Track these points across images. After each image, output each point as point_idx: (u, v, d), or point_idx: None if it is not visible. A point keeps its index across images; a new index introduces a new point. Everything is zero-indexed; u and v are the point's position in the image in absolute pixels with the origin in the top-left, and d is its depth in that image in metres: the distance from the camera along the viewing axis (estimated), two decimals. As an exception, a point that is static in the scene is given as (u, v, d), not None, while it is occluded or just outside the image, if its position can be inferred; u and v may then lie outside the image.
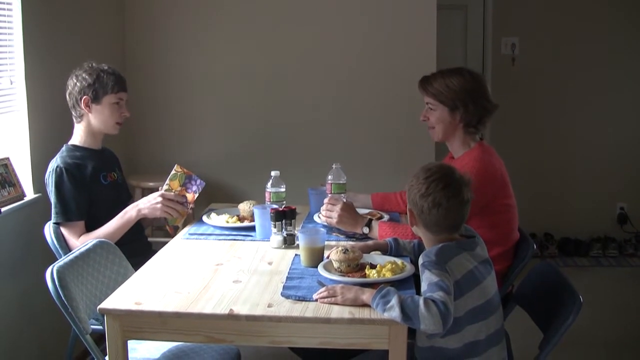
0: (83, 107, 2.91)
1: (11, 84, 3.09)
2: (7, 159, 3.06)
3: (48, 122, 3.27)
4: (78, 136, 2.98)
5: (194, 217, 3.37)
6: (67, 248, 2.80)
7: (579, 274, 4.99)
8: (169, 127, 4.55)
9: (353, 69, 4.43)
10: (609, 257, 5.35)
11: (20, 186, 3.08)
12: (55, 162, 2.87)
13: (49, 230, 2.83)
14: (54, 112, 3.27)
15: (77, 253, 2.44)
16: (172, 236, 2.96)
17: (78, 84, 2.90)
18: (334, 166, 3.06)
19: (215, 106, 4.51)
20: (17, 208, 3.02)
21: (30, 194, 3.16)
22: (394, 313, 1.90)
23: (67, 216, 2.82)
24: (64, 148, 2.95)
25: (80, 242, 2.74)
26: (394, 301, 1.91)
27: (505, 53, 5.47)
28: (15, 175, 3.07)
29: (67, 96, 2.94)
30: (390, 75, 4.39)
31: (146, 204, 2.88)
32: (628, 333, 3.99)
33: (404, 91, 4.21)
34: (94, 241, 2.58)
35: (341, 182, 3.04)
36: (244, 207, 3.05)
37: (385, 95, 4.41)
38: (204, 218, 3.05)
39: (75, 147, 2.96)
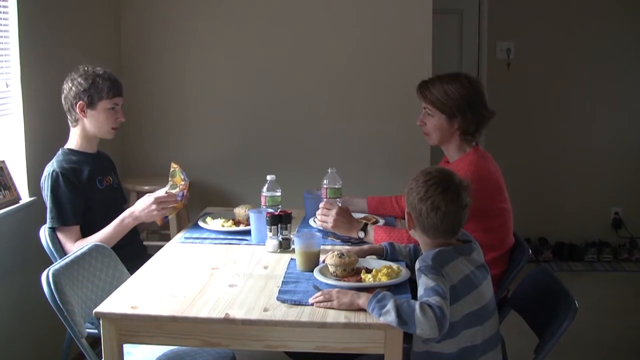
0: (78, 112, 2.90)
1: (7, 86, 3.08)
2: (3, 162, 3.05)
3: (44, 125, 3.27)
4: (74, 140, 2.98)
5: (189, 220, 3.36)
6: (62, 252, 2.79)
7: (573, 278, 4.99)
8: (165, 131, 4.54)
9: (349, 73, 4.43)
10: (603, 262, 5.36)
11: (15, 189, 3.08)
12: (51, 167, 2.87)
13: (44, 233, 2.83)
14: (50, 115, 3.26)
15: (72, 257, 2.43)
16: (161, 227, 2.96)
17: (73, 88, 2.90)
18: (329, 171, 3.06)
19: (210, 110, 4.51)
20: (13, 211, 3.01)
21: (25, 198, 3.15)
22: (390, 317, 1.90)
23: (62, 221, 2.81)
24: (59, 152, 2.94)
25: (76, 247, 2.73)
26: (389, 306, 1.91)
27: (501, 57, 5.48)
28: (11, 178, 3.07)
29: (63, 100, 2.94)
30: (386, 80, 4.39)
31: (142, 211, 2.87)
32: (623, 337, 3.99)
33: (400, 95, 4.22)
34: (90, 245, 2.58)
35: (337, 186, 3.05)
36: (240, 211, 3.04)
37: (381, 99, 4.41)
38: (200, 222, 3.05)
39: (71, 151, 2.96)
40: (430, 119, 2.81)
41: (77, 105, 2.89)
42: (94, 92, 2.89)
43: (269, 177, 2.96)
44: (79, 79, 2.90)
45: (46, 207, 2.84)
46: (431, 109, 2.80)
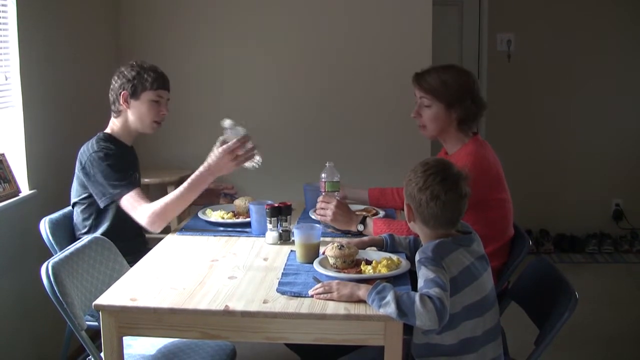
0: (122, 103, 2.89)
1: (6, 79, 3.08)
2: (3, 154, 3.05)
3: (43, 117, 3.27)
4: (113, 126, 2.96)
5: (189, 212, 3.36)
6: (96, 227, 2.83)
7: (574, 270, 5.00)
8: (166, 124, 4.50)
9: (349, 66, 4.42)
10: (604, 253, 5.37)
11: (15, 182, 3.08)
12: (95, 144, 2.83)
13: (44, 226, 2.82)
14: (50, 107, 3.26)
15: (72, 249, 2.43)
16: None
17: (119, 80, 2.90)
18: (327, 164, 3.05)
19: (210, 103, 4.50)
20: (12, 204, 3.02)
21: (25, 190, 3.15)
22: (390, 309, 1.90)
23: (128, 187, 2.78)
24: (98, 135, 2.91)
25: (151, 207, 2.74)
26: (389, 297, 1.91)
27: (501, 49, 5.47)
28: (11, 171, 3.07)
29: (110, 92, 2.93)
30: (386, 72, 4.39)
31: (219, 167, 2.82)
32: (623, 329, 3.99)
33: (400, 87, 4.19)
34: (90, 237, 2.57)
35: (335, 180, 3.04)
36: (240, 203, 3.04)
37: (381, 91, 4.41)
38: (200, 214, 3.05)
39: (109, 136, 2.93)
40: (427, 110, 2.78)
41: (121, 95, 2.88)
42: (137, 82, 2.88)
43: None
44: (125, 71, 2.91)
45: (97, 185, 2.78)
46: (430, 98, 2.75)
